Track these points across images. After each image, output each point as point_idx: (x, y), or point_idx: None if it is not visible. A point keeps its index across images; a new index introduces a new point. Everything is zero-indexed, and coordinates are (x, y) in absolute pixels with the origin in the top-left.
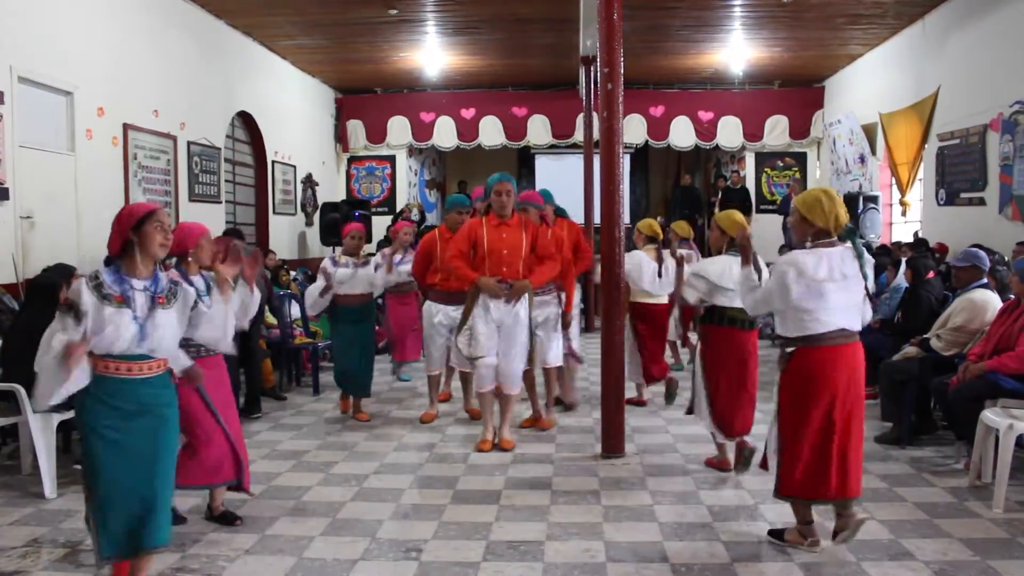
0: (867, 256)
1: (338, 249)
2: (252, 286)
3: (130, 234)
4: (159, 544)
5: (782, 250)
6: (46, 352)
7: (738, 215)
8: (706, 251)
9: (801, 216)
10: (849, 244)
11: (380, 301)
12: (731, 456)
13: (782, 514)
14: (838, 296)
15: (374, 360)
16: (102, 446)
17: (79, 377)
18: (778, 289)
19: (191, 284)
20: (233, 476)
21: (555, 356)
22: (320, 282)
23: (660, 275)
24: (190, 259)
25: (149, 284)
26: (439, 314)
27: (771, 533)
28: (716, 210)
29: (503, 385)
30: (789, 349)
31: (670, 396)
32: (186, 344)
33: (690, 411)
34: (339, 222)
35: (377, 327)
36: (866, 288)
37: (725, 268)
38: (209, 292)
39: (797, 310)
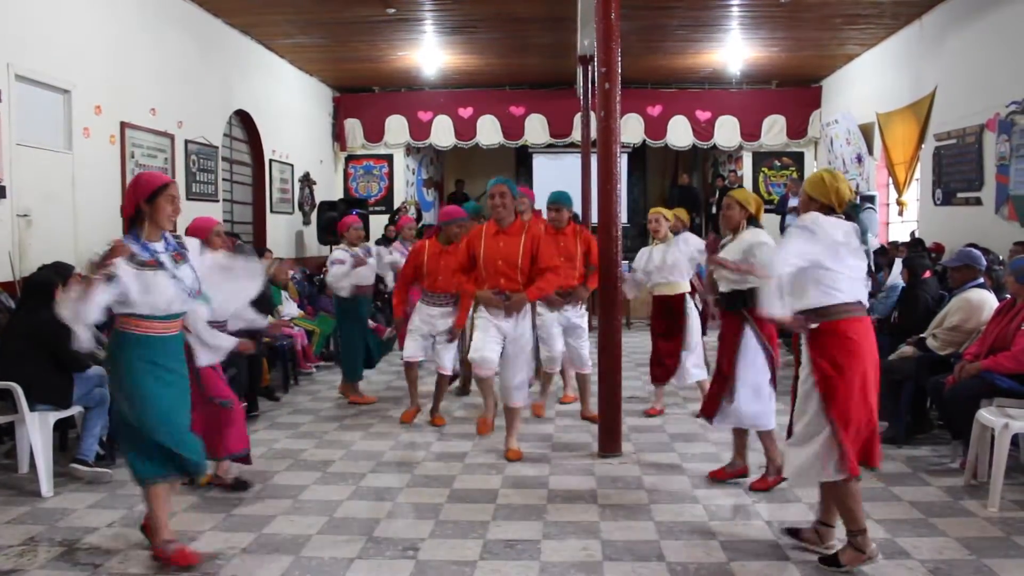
0: (870, 235)
1: (341, 244)
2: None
3: (143, 204)
4: (203, 466)
5: None
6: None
7: (752, 194)
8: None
9: (807, 196)
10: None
11: (387, 296)
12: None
13: (779, 513)
14: (854, 264)
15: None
16: (152, 381)
17: (98, 304)
18: (803, 244)
19: None
20: (239, 448)
21: (589, 362)
22: (345, 266)
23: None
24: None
25: (165, 246)
26: (423, 313)
27: (788, 532)
28: (713, 210)
29: (506, 398)
30: (814, 325)
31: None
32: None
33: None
34: (337, 221)
35: (375, 325)
36: (869, 265)
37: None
38: None
39: (818, 270)
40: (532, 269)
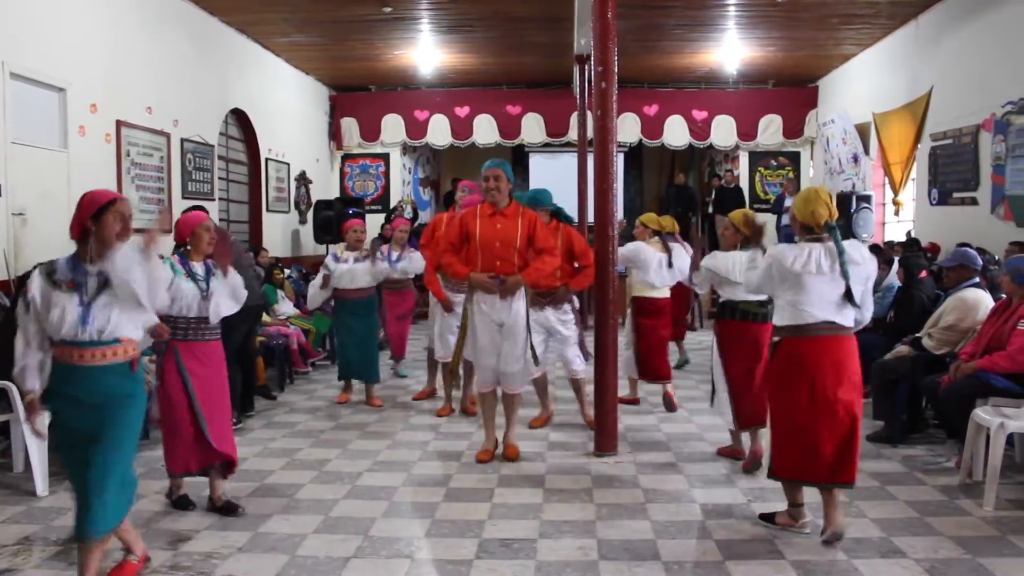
0: (853, 255)
1: (340, 245)
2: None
3: (88, 222)
4: (90, 534)
5: None
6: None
7: (752, 215)
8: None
9: (792, 213)
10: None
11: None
12: (745, 448)
13: (774, 509)
14: (822, 288)
15: (378, 350)
16: (56, 427)
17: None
18: (764, 277)
19: (191, 271)
20: (196, 468)
21: (580, 365)
22: (319, 277)
23: (670, 265)
24: (190, 248)
25: (102, 269)
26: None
27: (762, 516)
28: (710, 209)
29: (504, 385)
30: (776, 339)
31: (668, 407)
32: (174, 323)
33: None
34: (333, 220)
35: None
36: (847, 288)
37: (735, 262)
38: (209, 278)
39: (784, 299)
40: (529, 252)
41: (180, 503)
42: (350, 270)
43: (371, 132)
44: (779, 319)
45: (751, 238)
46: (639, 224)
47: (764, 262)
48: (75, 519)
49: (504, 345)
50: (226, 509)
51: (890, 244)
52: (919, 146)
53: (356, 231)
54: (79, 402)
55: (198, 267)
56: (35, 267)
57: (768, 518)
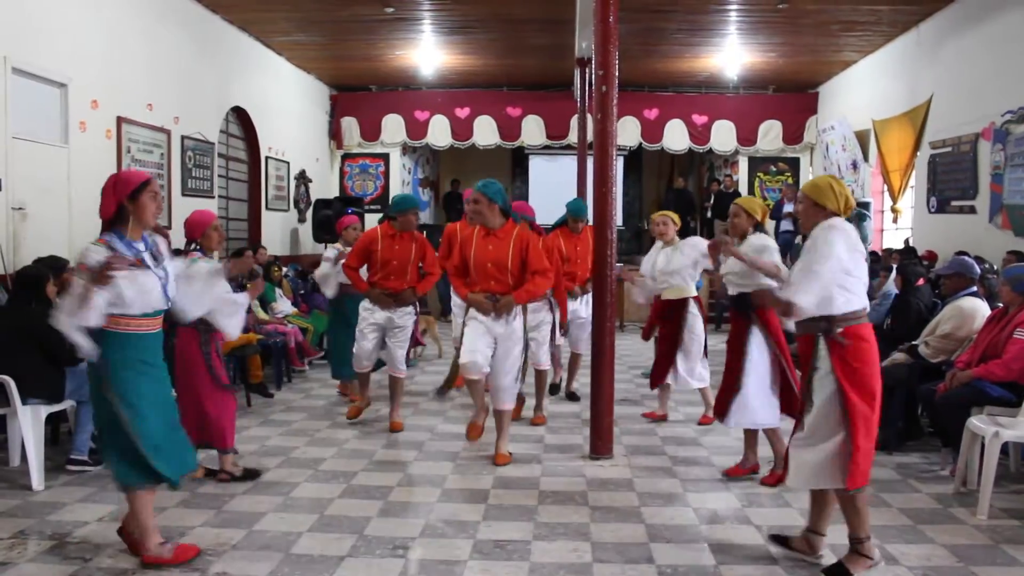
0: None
1: (336, 244)
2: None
3: (126, 201)
4: (175, 480)
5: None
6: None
7: (759, 200)
8: None
9: (812, 202)
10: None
11: None
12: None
13: (768, 517)
14: (864, 269)
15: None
16: (144, 379)
17: (97, 311)
18: (832, 252)
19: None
20: (196, 440)
21: (546, 359)
22: (326, 265)
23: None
24: (202, 246)
25: (146, 245)
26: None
27: (774, 538)
28: (708, 214)
29: (496, 401)
30: (839, 329)
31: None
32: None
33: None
34: (332, 219)
35: None
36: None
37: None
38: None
39: (847, 277)
40: (521, 272)
41: (249, 474)
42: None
43: (371, 132)
44: (829, 307)
45: (761, 223)
46: (661, 220)
47: (822, 239)
48: (167, 471)
49: (497, 360)
50: (249, 475)
51: (888, 251)
52: (918, 154)
53: (355, 228)
54: (151, 366)
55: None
56: (91, 248)
57: (781, 540)
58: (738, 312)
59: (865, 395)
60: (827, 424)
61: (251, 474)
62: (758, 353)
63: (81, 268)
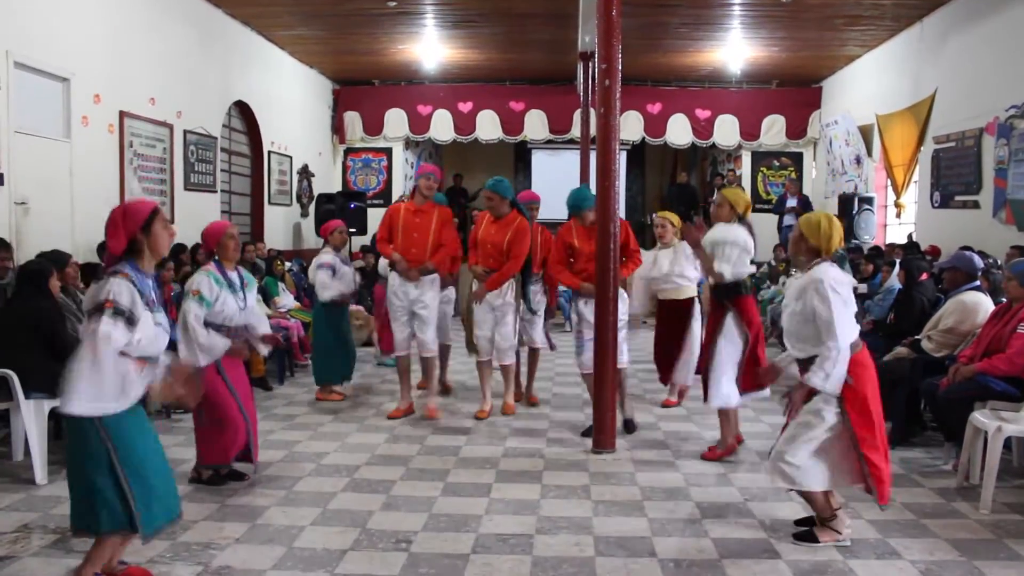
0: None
1: (327, 248)
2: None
3: (139, 233)
4: (178, 514)
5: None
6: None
7: (744, 194)
8: None
9: (800, 233)
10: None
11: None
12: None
13: (770, 511)
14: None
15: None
16: (137, 430)
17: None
18: (844, 311)
19: (230, 281)
20: (230, 459)
21: (540, 338)
22: (328, 272)
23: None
24: (219, 257)
25: (155, 283)
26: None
27: (799, 536)
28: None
29: (500, 358)
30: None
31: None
32: (218, 330)
33: None
34: (334, 214)
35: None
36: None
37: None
38: (242, 286)
39: (850, 314)
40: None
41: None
42: (345, 272)
43: (374, 126)
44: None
45: (743, 216)
46: (660, 223)
47: (832, 298)
48: (160, 510)
49: (498, 323)
50: (233, 476)
51: (891, 246)
52: (922, 149)
53: (341, 232)
54: (139, 406)
55: (233, 276)
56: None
57: (806, 537)
58: (716, 299)
59: (868, 423)
60: (826, 439)
61: (219, 480)
62: (729, 335)
63: (108, 304)
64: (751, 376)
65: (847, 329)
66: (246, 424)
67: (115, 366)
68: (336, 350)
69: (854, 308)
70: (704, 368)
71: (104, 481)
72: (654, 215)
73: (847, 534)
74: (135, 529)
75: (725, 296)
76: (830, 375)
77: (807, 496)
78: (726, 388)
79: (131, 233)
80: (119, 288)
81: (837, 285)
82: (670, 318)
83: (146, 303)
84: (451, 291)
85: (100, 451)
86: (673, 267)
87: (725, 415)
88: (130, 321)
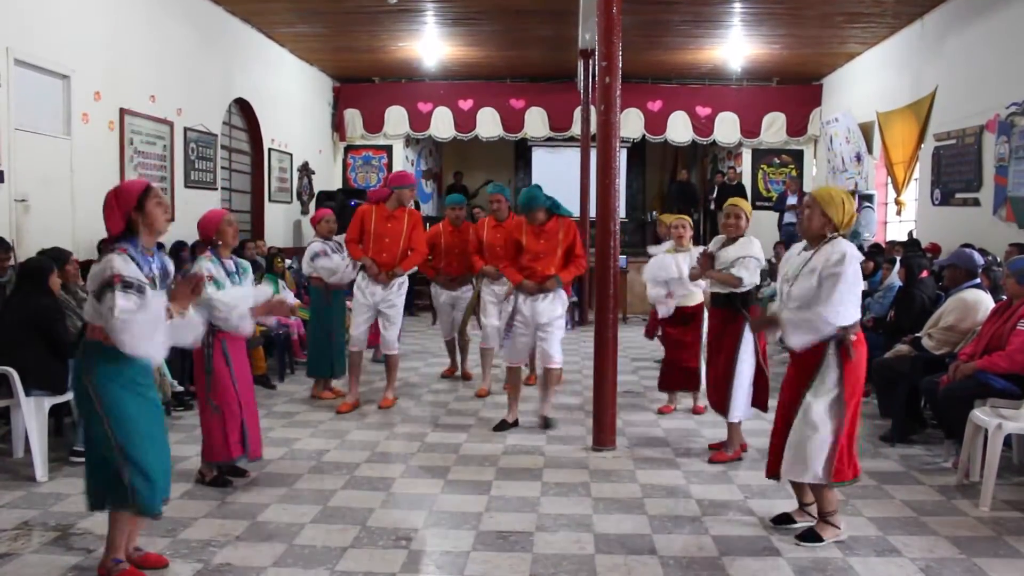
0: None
1: (316, 238)
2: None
3: (133, 212)
4: (148, 507)
5: (777, 247)
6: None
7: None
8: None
9: (821, 210)
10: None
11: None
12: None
13: (772, 509)
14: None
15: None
16: (136, 403)
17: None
18: (855, 274)
19: (227, 269)
20: (241, 452)
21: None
22: (332, 258)
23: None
24: (219, 244)
25: (156, 261)
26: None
27: (801, 537)
28: (712, 206)
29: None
30: (852, 337)
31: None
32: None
33: None
34: (334, 211)
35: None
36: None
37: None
38: (239, 274)
39: (856, 294)
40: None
41: (234, 472)
42: (335, 259)
43: (374, 124)
44: (847, 318)
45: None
46: (679, 224)
47: (850, 272)
48: (161, 486)
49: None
50: (233, 472)
51: (892, 244)
52: (922, 146)
53: (328, 220)
54: (145, 388)
55: (230, 264)
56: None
57: (809, 537)
58: (730, 310)
59: (857, 394)
60: (814, 423)
61: (222, 481)
62: (746, 347)
63: (116, 279)
64: (762, 391)
65: (852, 309)
66: (240, 412)
67: (144, 329)
68: (325, 345)
69: (862, 286)
70: (721, 380)
71: (106, 456)
72: (654, 213)
73: (844, 528)
74: (136, 504)
75: (743, 305)
76: (804, 343)
77: (816, 490)
78: (745, 401)
79: (126, 212)
80: (121, 261)
81: (856, 262)
82: (681, 323)
83: (146, 278)
84: (467, 289)
85: (99, 429)
86: (686, 272)
87: (736, 424)
88: (140, 291)
